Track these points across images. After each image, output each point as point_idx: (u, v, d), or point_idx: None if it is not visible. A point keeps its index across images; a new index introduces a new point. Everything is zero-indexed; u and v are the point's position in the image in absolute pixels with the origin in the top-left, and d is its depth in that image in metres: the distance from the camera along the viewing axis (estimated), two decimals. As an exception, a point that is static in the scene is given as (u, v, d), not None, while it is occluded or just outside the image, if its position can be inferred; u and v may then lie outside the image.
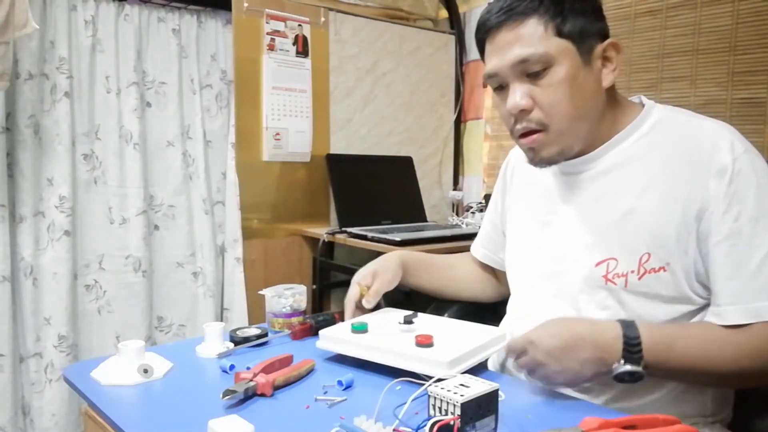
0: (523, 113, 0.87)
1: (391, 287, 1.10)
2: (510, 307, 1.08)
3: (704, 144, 0.84)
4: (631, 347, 0.78)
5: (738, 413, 0.93)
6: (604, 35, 0.89)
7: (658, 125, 0.89)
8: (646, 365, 0.78)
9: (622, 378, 0.78)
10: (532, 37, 0.84)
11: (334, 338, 0.93)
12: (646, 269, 0.84)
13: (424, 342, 0.86)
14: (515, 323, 1.02)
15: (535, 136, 0.88)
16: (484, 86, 2.59)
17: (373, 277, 1.09)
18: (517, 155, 1.11)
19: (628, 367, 0.77)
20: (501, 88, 0.91)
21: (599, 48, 0.87)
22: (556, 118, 0.86)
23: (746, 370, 0.80)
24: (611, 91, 0.90)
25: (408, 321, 0.96)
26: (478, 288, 1.22)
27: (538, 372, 0.81)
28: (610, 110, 0.91)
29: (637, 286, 0.85)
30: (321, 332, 0.95)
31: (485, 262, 1.21)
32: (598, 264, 0.88)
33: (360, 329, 0.93)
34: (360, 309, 1.07)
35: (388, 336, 0.93)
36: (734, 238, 0.80)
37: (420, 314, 1.01)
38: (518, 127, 0.89)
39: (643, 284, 0.85)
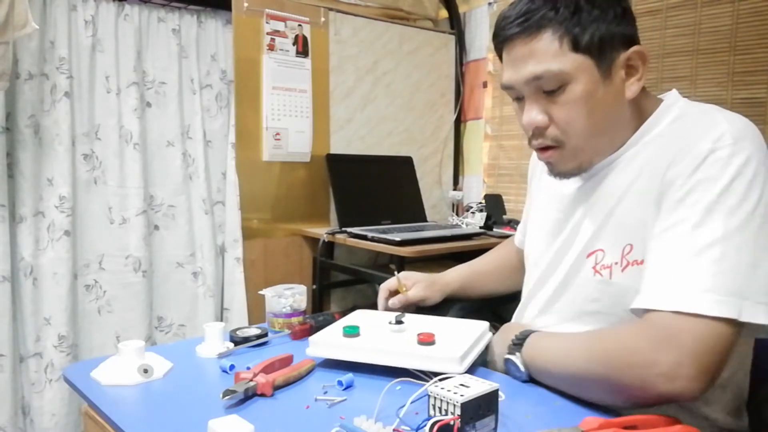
0: (539, 129, 0.85)
1: (423, 304, 1.14)
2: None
3: (696, 132, 0.77)
4: (516, 340, 0.87)
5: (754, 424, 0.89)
6: (629, 41, 0.82)
7: (673, 123, 0.83)
8: (524, 362, 0.85)
9: (508, 369, 0.87)
10: (546, 53, 0.80)
11: (327, 343, 0.91)
12: (629, 261, 0.82)
13: (427, 340, 0.86)
14: (518, 315, 1.03)
15: (551, 152, 0.86)
16: (485, 86, 2.59)
17: (414, 284, 1.14)
18: None
19: (508, 355, 0.87)
20: (519, 99, 0.88)
21: (622, 58, 0.81)
22: (573, 136, 0.83)
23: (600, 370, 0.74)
24: (639, 95, 0.85)
25: (399, 321, 0.96)
26: (522, 278, 1.17)
27: None
28: (635, 119, 0.86)
29: (620, 278, 0.82)
30: (310, 339, 0.92)
31: (522, 248, 1.17)
32: (588, 255, 0.88)
33: (352, 332, 0.91)
34: (391, 297, 1.13)
35: (383, 337, 0.92)
36: (679, 226, 0.74)
37: (407, 314, 1.01)
38: (534, 142, 0.87)
39: (626, 277, 0.82)
